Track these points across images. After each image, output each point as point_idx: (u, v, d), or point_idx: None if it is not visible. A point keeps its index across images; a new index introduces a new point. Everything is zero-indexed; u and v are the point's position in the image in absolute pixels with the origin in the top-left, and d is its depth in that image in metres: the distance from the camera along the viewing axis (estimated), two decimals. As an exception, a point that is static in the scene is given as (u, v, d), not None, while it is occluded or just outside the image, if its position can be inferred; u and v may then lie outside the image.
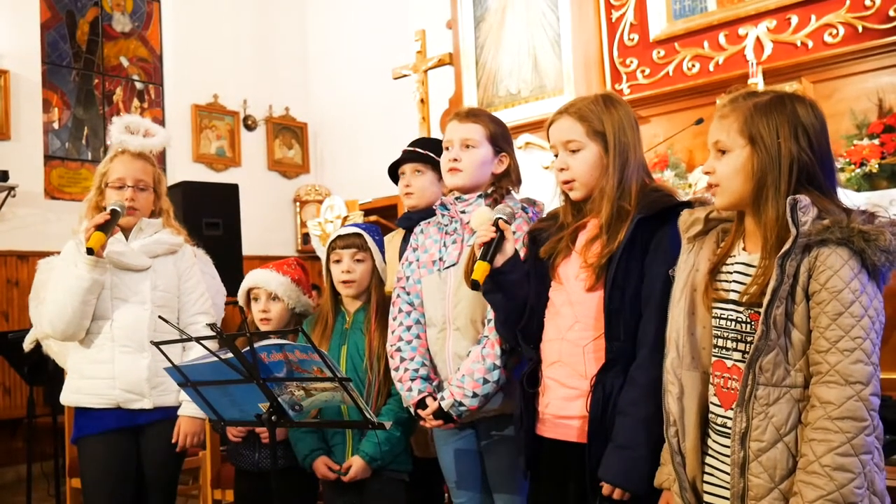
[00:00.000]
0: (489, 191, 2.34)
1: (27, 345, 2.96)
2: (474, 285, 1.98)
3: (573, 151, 1.99)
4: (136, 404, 2.66)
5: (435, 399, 2.25)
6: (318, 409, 2.36)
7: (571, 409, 1.94)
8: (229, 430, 2.73)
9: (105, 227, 2.57)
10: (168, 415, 2.70)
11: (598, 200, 1.97)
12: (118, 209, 2.64)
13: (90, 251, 2.52)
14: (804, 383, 1.50)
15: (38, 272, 2.94)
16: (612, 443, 1.83)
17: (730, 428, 1.57)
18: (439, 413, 2.23)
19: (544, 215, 2.23)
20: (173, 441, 2.69)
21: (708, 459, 1.65)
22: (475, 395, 2.18)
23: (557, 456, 1.97)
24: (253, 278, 2.81)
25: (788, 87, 3.96)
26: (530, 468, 2.06)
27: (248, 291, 2.82)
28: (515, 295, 2.04)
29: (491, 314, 2.20)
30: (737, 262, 1.63)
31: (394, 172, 2.81)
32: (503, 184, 2.35)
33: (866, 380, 1.43)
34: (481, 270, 1.96)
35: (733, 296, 1.61)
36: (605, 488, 1.82)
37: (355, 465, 2.47)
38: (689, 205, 1.84)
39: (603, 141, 1.97)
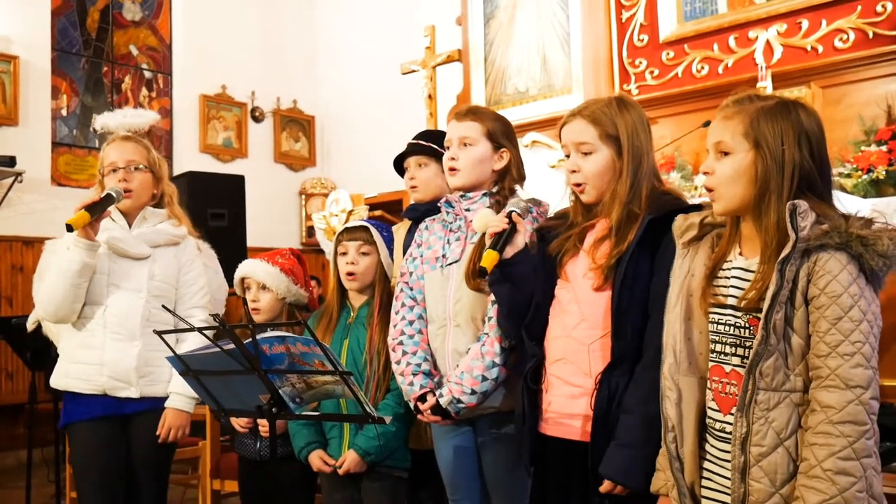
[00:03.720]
0: (494, 190, 2.33)
1: (30, 324, 2.94)
2: (481, 272, 1.97)
3: (585, 154, 1.98)
4: (122, 392, 2.64)
5: (435, 395, 2.25)
6: (318, 403, 2.37)
7: (575, 407, 1.94)
8: (236, 422, 2.75)
9: (93, 208, 2.55)
10: (156, 406, 2.68)
11: (609, 203, 1.96)
12: (113, 194, 2.64)
13: (69, 228, 2.50)
14: (804, 388, 1.50)
15: (43, 253, 2.94)
16: (615, 440, 1.83)
17: (728, 433, 1.56)
18: (437, 409, 2.23)
19: (552, 215, 2.21)
20: (157, 433, 2.67)
21: (706, 465, 1.65)
22: (474, 392, 2.18)
23: (560, 454, 1.97)
24: (244, 268, 2.88)
25: (797, 91, 3.96)
26: (533, 465, 2.05)
27: (242, 280, 2.89)
28: (522, 288, 2.03)
29: (492, 312, 2.19)
30: (734, 267, 1.63)
31: (399, 166, 2.82)
32: (507, 182, 2.35)
33: (866, 383, 1.43)
34: (490, 259, 1.96)
35: (731, 301, 1.60)
36: (606, 485, 1.82)
37: (349, 458, 2.48)
38: (699, 207, 1.83)
39: (616, 145, 1.96)
